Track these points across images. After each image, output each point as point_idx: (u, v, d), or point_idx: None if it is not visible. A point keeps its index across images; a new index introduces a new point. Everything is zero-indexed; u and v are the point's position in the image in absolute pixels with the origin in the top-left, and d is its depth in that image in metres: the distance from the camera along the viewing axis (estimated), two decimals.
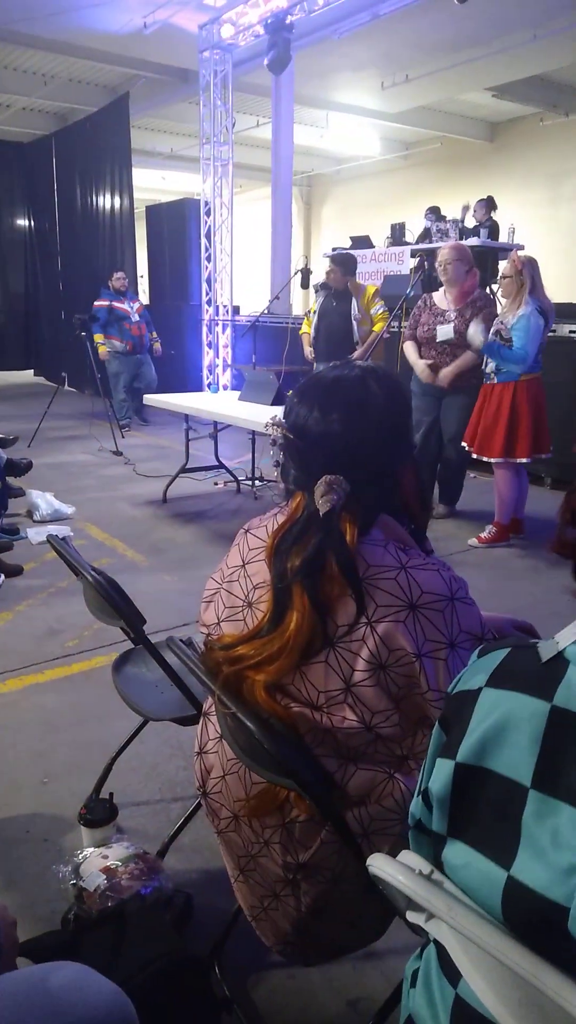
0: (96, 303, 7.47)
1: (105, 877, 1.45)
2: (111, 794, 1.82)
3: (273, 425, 1.18)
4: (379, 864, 0.78)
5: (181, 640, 1.24)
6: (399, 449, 1.18)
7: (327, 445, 1.11)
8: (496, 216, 8.07)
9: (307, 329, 5.45)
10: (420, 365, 4.40)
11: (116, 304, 7.45)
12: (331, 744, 1.09)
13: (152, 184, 15.83)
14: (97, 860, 1.50)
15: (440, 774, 0.75)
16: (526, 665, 0.73)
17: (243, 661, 1.11)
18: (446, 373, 4.33)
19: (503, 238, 7.41)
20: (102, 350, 7.44)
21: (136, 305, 7.59)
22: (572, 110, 10.94)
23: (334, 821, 1.07)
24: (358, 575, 1.06)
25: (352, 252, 6.25)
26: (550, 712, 0.68)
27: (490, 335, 3.97)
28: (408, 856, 0.79)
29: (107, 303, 7.43)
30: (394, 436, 1.16)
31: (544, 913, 0.62)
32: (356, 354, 5.09)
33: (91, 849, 1.59)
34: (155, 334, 7.80)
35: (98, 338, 7.39)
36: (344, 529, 1.08)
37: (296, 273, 6.00)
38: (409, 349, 4.50)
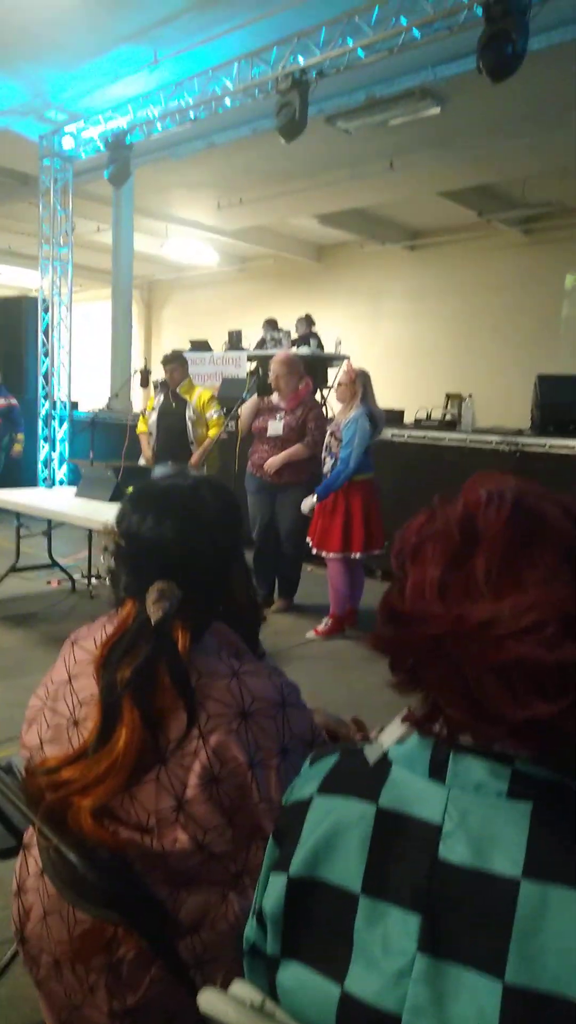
0: None
1: None
2: None
3: (105, 532, 1.16)
4: (208, 1000, 0.74)
5: None
6: (230, 556, 1.20)
7: (160, 552, 1.12)
8: (324, 328, 8.74)
9: (144, 428, 5.47)
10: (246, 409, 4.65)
11: None
12: (162, 869, 1.04)
13: None
14: None
15: (273, 890, 0.73)
16: (354, 769, 0.74)
17: (68, 786, 1.04)
18: (272, 462, 4.52)
19: (330, 349, 8.01)
20: None
21: None
22: (387, 240, 12.27)
23: (165, 955, 1.01)
24: (190, 685, 1.05)
25: (185, 353, 6.47)
26: (376, 813, 0.68)
27: (326, 439, 4.26)
28: (240, 986, 0.75)
29: None
30: (226, 544, 1.19)
31: None
32: (193, 458, 5.18)
33: None
34: (19, 436, 7.60)
35: None
36: (176, 637, 1.07)
37: (136, 372, 6.08)
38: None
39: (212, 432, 5.20)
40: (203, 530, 1.14)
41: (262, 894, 0.77)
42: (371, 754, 0.74)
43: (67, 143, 7.94)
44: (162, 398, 5.39)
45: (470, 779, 0.65)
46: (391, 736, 0.74)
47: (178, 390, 5.27)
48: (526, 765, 0.64)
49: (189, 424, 5.22)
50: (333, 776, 0.75)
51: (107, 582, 1.19)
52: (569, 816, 0.63)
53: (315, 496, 4.16)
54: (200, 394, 5.29)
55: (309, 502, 4.17)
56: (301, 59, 5.70)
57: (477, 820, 0.64)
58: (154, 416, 5.39)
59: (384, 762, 0.72)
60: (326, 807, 0.73)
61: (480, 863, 0.62)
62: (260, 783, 1.02)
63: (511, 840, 0.62)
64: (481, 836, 0.63)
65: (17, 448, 7.62)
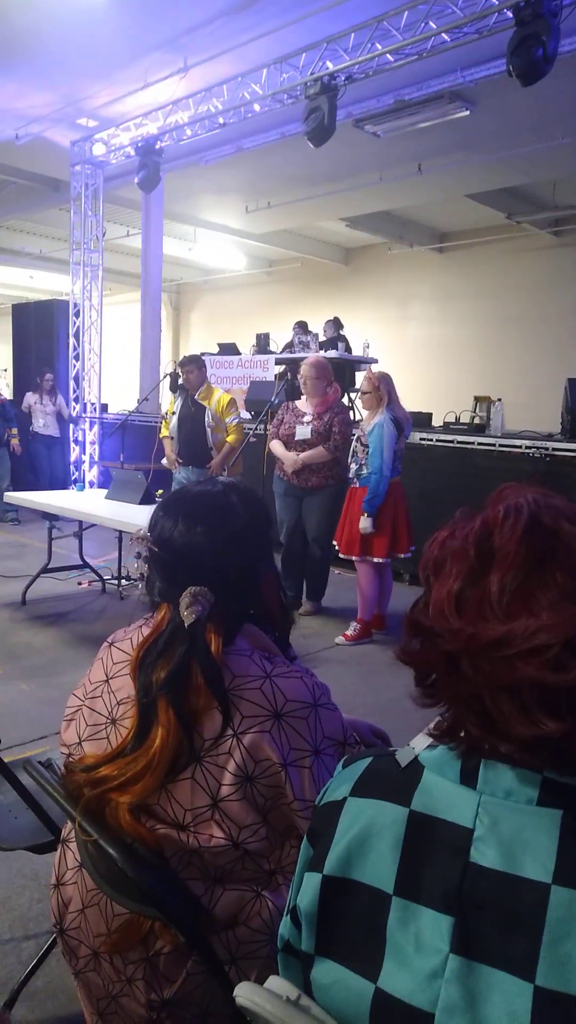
0: None
1: None
2: None
3: (139, 538, 1.20)
4: (245, 993, 0.76)
5: (40, 762, 1.18)
6: (261, 560, 1.23)
7: (192, 557, 1.14)
8: (351, 331, 8.73)
9: (166, 432, 5.49)
10: (289, 457, 4.59)
11: None
12: (198, 866, 1.07)
13: (20, 282, 15.88)
14: None
15: (308, 889, 0.75)
16: (387, 772, 0.75)
17: (106, 783, 1.07)
18: (289, 460, 4.54)
19: (358, 352, 8.01)
20: None
21: None
22: (415, 242, 12.23)
23: (201, 949, 1.03)
24: (224, 686, 1.07)
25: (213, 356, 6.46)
26: (408, 817, 0.70)
27: (352, 444, 4.26)
28: (275, 982, 0.77)
29: None
30: (256, 548, 1.21)
31: (411, 1023, 0.63)
32: (213, 464, 5.19)
33: None
34: (13, 430, 7.75)
35: None
36: (209, 640, 1.10)
37: (165, 376, 6.14)
38: (276, 446, 4.69)
39: (231, 438, 5.20)
40: (234, 535, 1.17)
41: (296, 892, 0.78)
42: (403, 758, 0.75)
43: (98, 149, 8.07)
44: (180, 403, 5.38)
45: (500, 786, 0.67)
46: (422, 741, 0.75)
47: (196, 396, 5.24)
48: (556, 773, 0.66)
49: (208, 431, 5.21)
50: (366, 779, 0.77)
51: (141, 587, 1.22)
52: None
53: (367, 516, 4.11)
54: (219, 398, 5.24)
55: (365, 522, 4.12)
56: (330, 64, 5.73)
57: (508, 826, 0.65)
58: (175, 420, 5.39)
59: (416, 766, 0.73)
60: (359, 809, 0.74)
61: (511, 868, 0.64)
62: (293, 783, 1.05)
63: (541, 846, 0.64)
64: (512, 841, 0.65)
65: (14, 443, 7.78)
